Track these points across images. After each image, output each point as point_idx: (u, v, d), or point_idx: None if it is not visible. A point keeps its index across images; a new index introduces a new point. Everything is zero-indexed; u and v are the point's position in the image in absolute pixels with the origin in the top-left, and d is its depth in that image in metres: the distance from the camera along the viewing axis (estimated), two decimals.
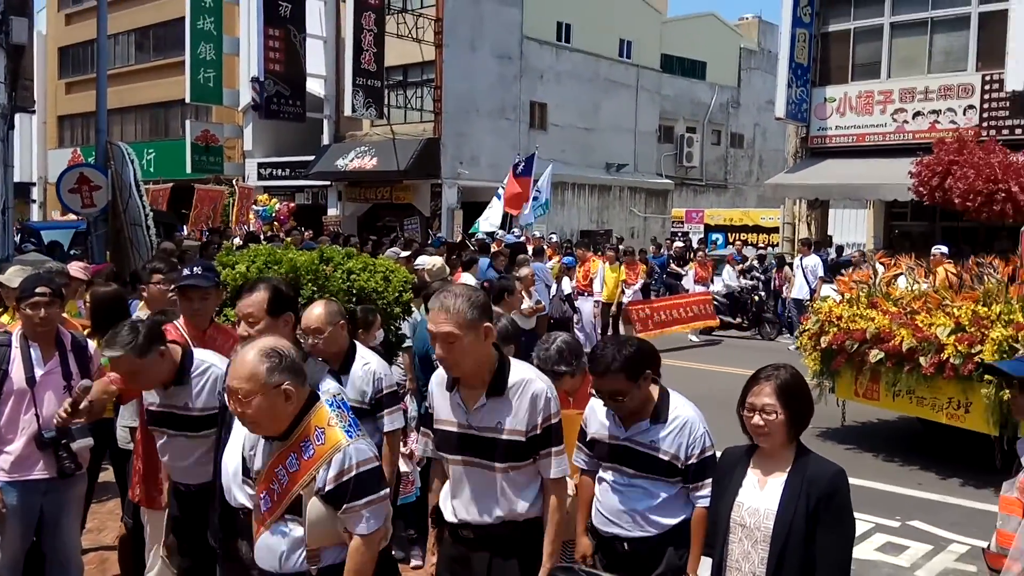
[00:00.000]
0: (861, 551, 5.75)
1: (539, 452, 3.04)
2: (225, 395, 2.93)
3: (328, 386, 2.99)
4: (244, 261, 6.16)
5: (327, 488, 2.70)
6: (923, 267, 8.21)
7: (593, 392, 3.56)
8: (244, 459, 2.99)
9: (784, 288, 15.86)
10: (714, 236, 25.43)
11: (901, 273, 8.14)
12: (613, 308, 13.76)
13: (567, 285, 12.08)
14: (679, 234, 26.04)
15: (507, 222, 18.36)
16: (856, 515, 6.30)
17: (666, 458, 3.21)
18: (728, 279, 16.48)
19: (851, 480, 7.50)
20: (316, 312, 4.00)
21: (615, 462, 3.32)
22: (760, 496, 2.82)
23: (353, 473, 2.70)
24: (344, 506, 2.70)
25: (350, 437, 2.75)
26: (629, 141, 28.93)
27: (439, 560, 3.25)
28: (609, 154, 28.04)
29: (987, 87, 16.13)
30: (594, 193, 27.51)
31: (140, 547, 4.13)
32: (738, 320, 16.29)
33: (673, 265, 19.53)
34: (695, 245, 21.77)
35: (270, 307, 3.43)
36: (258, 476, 2.86)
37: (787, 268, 16.20)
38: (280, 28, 22.03)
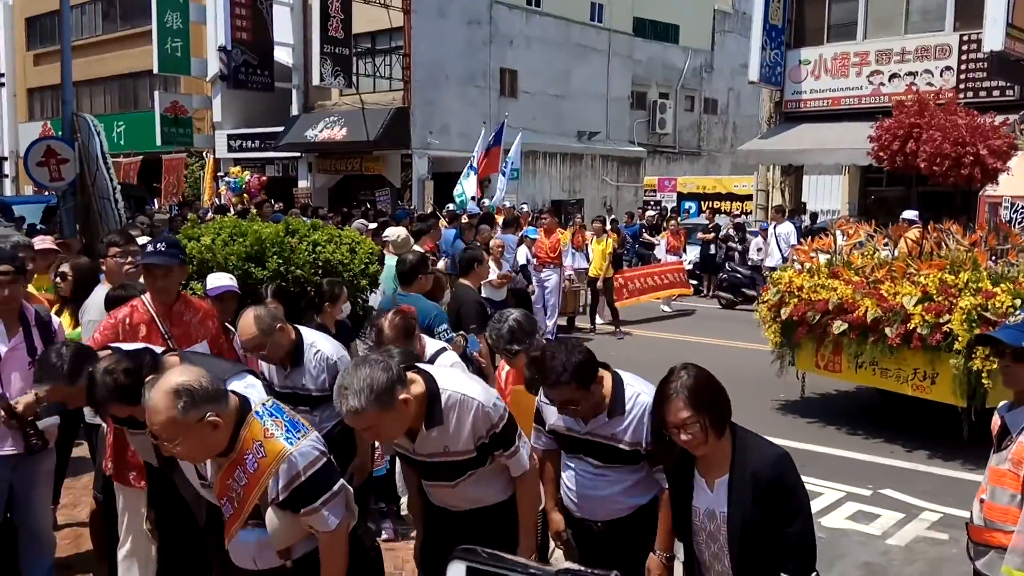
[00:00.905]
0: (832, 520, 5.78)
1: (492, 455, 3.08)
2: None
3: (236, 386, 3.02)
4: (209, 233, 6.07)
5: (281, 497, 2.72)
6: (883, 234, 8.03)
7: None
8: (195, 466, 3.02)
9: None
10: (687, 204, 25.38)
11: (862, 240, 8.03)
12: (600, 283, 13.07)
13: (522, 255, 11.64)
14: (652, 203, 25.99)
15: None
16: (827, 484, 6.39)
17: (628, 448, 3.19)
18: (755, 253, 16.00)
19: (821, 449, 7.54)
20: (250, 331, 3.99)
21: (578, 453, 3.30)
22: (711, 498, 2.77)
23: (303, 478, 2.71)
24: (302, 510, 2.73)
25: (291, 444, 2.74)
26: (601, 108, 28.70)
27: (426, 528, 3.39)
28: (581, 122, 27.80)
29: (964, 48, 15.98)
30: (566, 162, 27.32)
31: (113, 521, 4.11)
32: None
33: (645, 235, 19.50)
34: (668, 214, 21.72)
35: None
36: (213, 484, 2.89)
37: (758, 237, 16.15)
38: None
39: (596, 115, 28.47)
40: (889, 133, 7.29)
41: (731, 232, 17.42)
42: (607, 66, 28.74)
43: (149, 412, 2.67)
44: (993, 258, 6.77)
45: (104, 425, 4.14)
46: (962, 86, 15.87)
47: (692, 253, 17.29)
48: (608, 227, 14.05)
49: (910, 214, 9.85)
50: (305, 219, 7.66)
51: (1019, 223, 7.90)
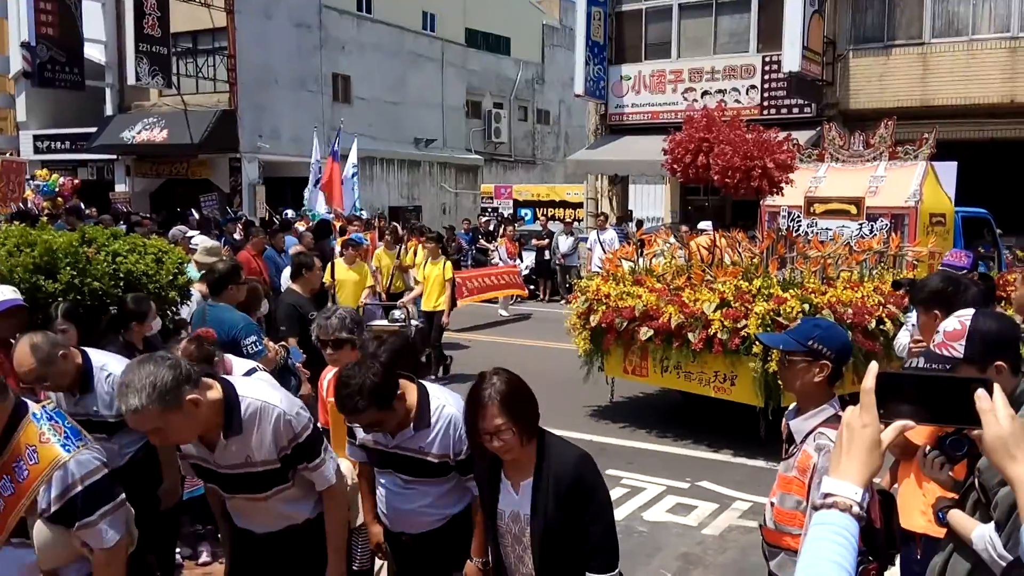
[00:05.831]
0: (653, 514, 5.99)
1: (296, 469, 2.95)
2: None
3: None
4: None
5: (52, 509, 2.49)
6: (678, 243, 8.30)
7: None
8: None
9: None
10: (523, 211, 25.83)
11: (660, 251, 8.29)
12: (445, 318, 10.17)
13: None
14: (489, 210, 26.28)
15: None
16: (649, 479, 6.59)
17: (436, 460, 3.16)
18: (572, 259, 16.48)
19: (642, 446, 7.71)
20: (27, 362, 3.60)
21: (387, 468, 3.25)
22: (516, 501, 2.80)
23: (79, 489, 2.51)
24: (77, 523, 2.50)
25: (68, 451, 2.53)
26: (437, 116, 28.76)
27: (232, 554, 3.19)
28: (418, 129, 27.75)
29: (767, 68, 17.22)
30: (404, 168, 27.18)
31: None
32: None
33: (482, 240, 19.77)
34: (504, 220, 22.07)
35: None
36: None
37: (581, 242, 16.73)
38: None
39: (432, 123, 28.48)
40: (681, 147, 7.70)
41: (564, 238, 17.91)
42: (441, 75, 28.84)
43: None
44: (781, 266, 7.20)
45: None
46: (766, 103, 17.06)
47: (528, 259, 17.73)
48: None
49: (705, 224, 10.45)
50: (101, 226, 7.05)
51: (796, 231, 8.56)
